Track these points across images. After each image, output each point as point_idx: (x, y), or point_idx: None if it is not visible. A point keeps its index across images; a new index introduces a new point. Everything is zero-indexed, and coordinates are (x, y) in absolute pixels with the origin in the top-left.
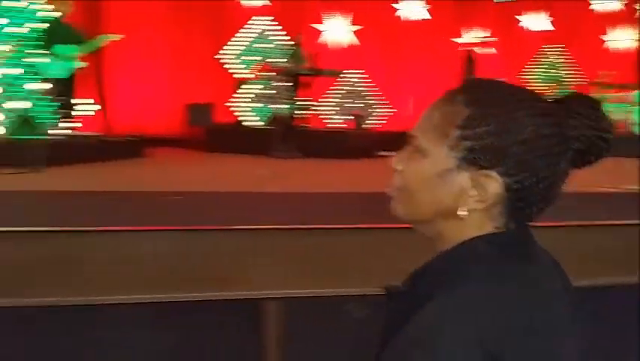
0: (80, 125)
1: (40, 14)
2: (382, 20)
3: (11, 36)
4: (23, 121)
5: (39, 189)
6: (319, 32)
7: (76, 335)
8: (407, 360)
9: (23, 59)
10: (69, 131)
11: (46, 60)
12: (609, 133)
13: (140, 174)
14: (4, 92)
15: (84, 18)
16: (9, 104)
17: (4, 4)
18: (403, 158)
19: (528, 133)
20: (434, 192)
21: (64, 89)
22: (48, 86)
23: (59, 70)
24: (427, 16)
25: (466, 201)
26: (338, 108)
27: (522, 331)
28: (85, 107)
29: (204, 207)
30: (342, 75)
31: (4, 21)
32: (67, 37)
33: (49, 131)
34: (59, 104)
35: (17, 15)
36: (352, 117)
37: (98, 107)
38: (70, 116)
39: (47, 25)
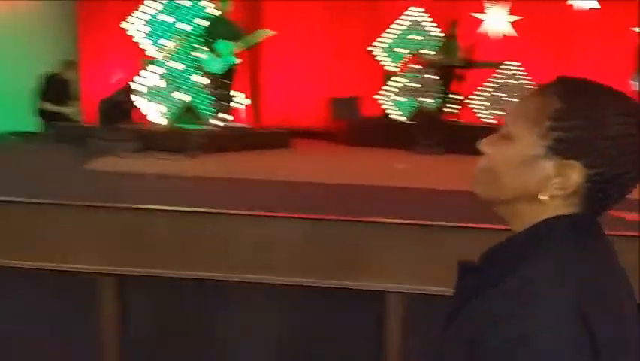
0: (232, 117)
1: (203, 11)
2: (543, 11)
3: (177, 32)
4: (185, 112)
5: (193, 175)
6: (475, 23)
7: (213, 308)
8: (498, 330)
9: (187, 54)
10: (224, 123)
11: (207, 55)
12: None
13: (283, 163)
14: (170, 84)
15: (244, 14)
16: (173, 96)
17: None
18: (492, 141)
19: (615, 130)
20: (519, 176)
21: (221, 83)
22: (208, 80)
23: (219, 65)
24: (596, 5)
25: (548, 187)
26: (490, 103)
27: (607, 297)
28: (238, 100)
29: (340, 197)
30: (498, 68)
31: (171, 19)
32: (227, 34)
33: (207, 122)
34: (216, 97)
35: (183, 12)
36: (505, 113)
37: (249, 100)
38: (226, 109)
39: (209, 21)
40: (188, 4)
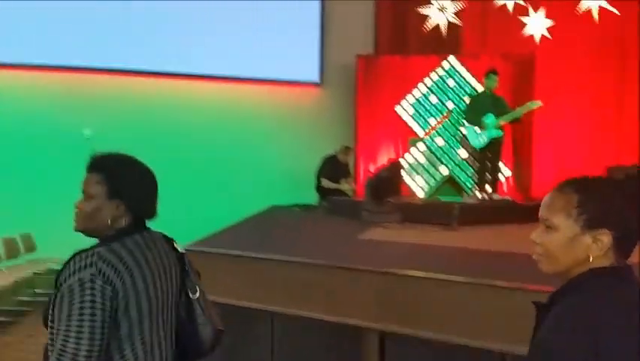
0: (496, 189)
1: (467, 89)
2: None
3: (442, 110)
4: (446, 184)
5: (453, 245)
6: None
7: None
8: (544, 344)
9: (450, 129)
10: (486, 195)
11: (470, 130)
12: None
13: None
14: (433, 158)
15: (511, 87)
16: (436, 170)
17: (435, 82)
18: (540, 233)
19: (624, 207)
20: (569, 253)
21: (485, 156)
22: (470, 153)
23: (482, 139)
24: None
25: (591, 252)
26: None
27: (624, 322)
28: (502, 172)
29: None
30: None
31: (435, 98)
32: (491, 108)
33: (468, 194)
34: (479, 170)
35: (449, 92)
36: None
37: (511, 173)
38: (489, 181)
39: (473, 97)
40: (452, 83)
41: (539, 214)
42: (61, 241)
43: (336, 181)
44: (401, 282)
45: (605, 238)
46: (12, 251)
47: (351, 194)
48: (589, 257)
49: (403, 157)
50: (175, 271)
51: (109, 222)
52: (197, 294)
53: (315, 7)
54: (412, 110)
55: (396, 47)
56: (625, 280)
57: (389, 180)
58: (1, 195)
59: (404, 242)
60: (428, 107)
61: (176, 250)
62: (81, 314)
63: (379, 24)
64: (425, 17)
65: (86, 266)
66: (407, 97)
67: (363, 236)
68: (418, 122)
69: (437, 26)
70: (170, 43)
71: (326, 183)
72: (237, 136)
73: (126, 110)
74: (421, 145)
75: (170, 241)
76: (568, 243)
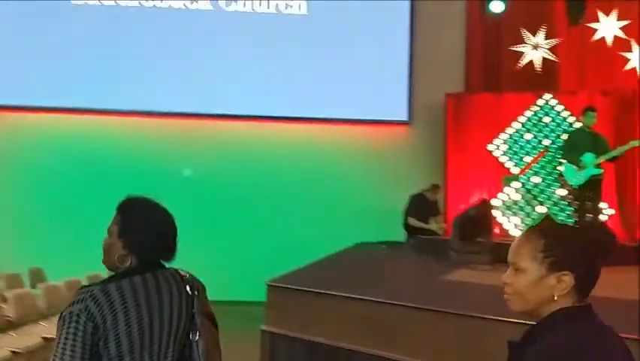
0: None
1: (564, 126)
2: None
3: (538, 148)
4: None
5: None
6: None
7: None
8: None
9: (546, 167)
10: None
11: (568, 167)
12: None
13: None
14: (528, 197)
15: (608, 125)
16: (532, 209)
17: (530, 120)
18: (510, 275)
19: (585, 252)
20: (536, 292)
21: (583, 195)
22: (568, 191)
23: (580, 177)
24: None
25: (555, 291)
26: None
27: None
28: (603, 211)
29: None
30: None
31: (530, 136)
32: (590, 145)
33: None
34: (577, 208)
35: (545, 129)
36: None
37: (612, 211)
38: (588, 220)
39: (571, 134)
40: (548, 120)
41: (508, 258)
42: None
43: (424, 219)
44: (485, 327)
45: (568, 278)
46: None
47: (441, 232)
48: (553, 296)
49: (496, 196)
50: (181, 312)
51: (116, 260)
52: (197, 337)
53: (404, 46)
54: (505, 148)
55: (487, 84)
56: (593, 318)
57: (478, 219)
58: (105, 230)
59: (490, 284)
60: (523, 145)
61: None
62: (64, 344)
63: (470, 62)
64: (518, 54)
65: (78, 301)
66: (500, 135)
67: (449, 277)
68: (512, 160)
69: (531, 63)
70: (265, 87)
71: (413, 221)
72: (327, 174)
73: (223, 151)
74: (516, 183)
75: (184, 281)
76: (534, 283)
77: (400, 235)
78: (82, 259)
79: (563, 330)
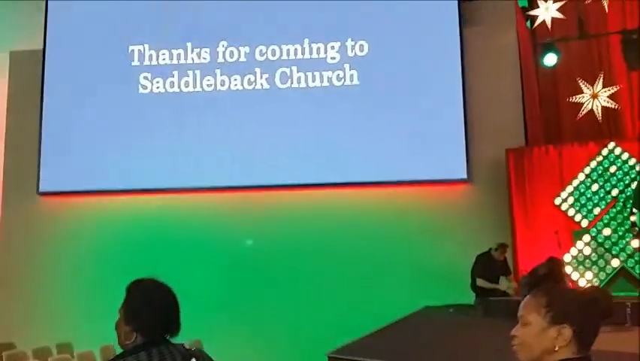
0: None
1: (632, 174)
2: None
3: (606, 198)
4: (617, 277)
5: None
6: None
7: None
8: None
9: (616, 218)
10: None
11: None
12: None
13: None
14: (599, 250)
15: None
16: (605, 262)
17: (595, 170)
18: (518, 328)
19: (583, 308)
20: (540, 343)
21: None
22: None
23: None
24: None
25: (556, 343)
26: None
27: None
28: None
29: None
30: None
31: (597, 187)
32: None
33: None
34: None
35: (613, 179)
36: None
37: None
38: None
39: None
40: (614, 169)
41: (518, 314)
42: (225, 344)
43: (493, 280)
44: None
45: (566, 331)
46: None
47: (512, 292)
48: (555, 347)
49: (567, 251)
50: None
51: (123, 338)
52: None
53: (458, 103)
54: (572, 201)
55: (547, 137)
56: None
57: (548, 278)
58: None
59: None
60: (590, 197)
61: None
62: None
63: (528, 115)
64: (577, 104)
65: None
66: (566, 187)
67: None
68: (580, 213)
69: (591, 112)
70: (322, 156)
71: (482, 282)
72: (387, 237)
73: (282, 220)
74: (586, 237)
75: (191, 355)
76: (537, 335)
77: (464, 297)
78: None
79: None
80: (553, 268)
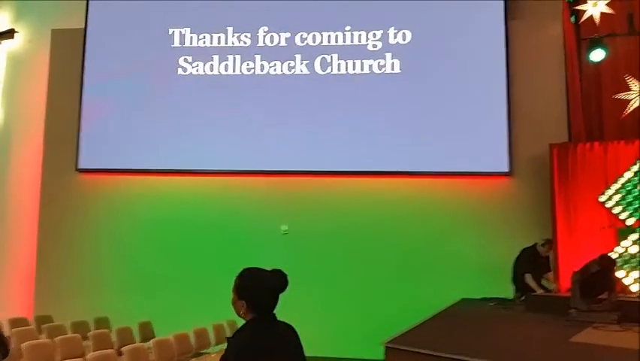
0: None
1: None
2: None
3: None
4: None
5: None
6: None
7: None
8: None
9: None
10: None
11: None
12: None
13: None
14: None
15: None
16: None
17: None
18: None
19: None
20: None
21: None
22: None
23: None
24: None
25: None
26: None
27: None
28: None
29: None
30: None
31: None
32: None
33: None
34: None
35: None
36: None
37: None
38: None
39: None
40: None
41: None
42: None
43: (535, 276)
44: None
45: None
46: (221, 337)
47: (552, 289)
48: None
49: (611, 249)
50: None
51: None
52: None
53: (502, 98)
54: (618, 198)
55: (591, 133)
56: None
57: (600, 275)
58: (209, 284)
59: (621, 347)
60: (637, 195)
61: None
62: None
63: (572, 111)
64: (623, 101)
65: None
66: (612, 185)
67: (576, 338)
68: (626, 211)
69: (637, 110)
70: (365, 144)
71: (530, 280)
72: (428, 229)
73: (318, 207)
74: (633, 235)
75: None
76: None
77: (502, 291)
78: (186, 314)
79: None
80: (606, 266)
